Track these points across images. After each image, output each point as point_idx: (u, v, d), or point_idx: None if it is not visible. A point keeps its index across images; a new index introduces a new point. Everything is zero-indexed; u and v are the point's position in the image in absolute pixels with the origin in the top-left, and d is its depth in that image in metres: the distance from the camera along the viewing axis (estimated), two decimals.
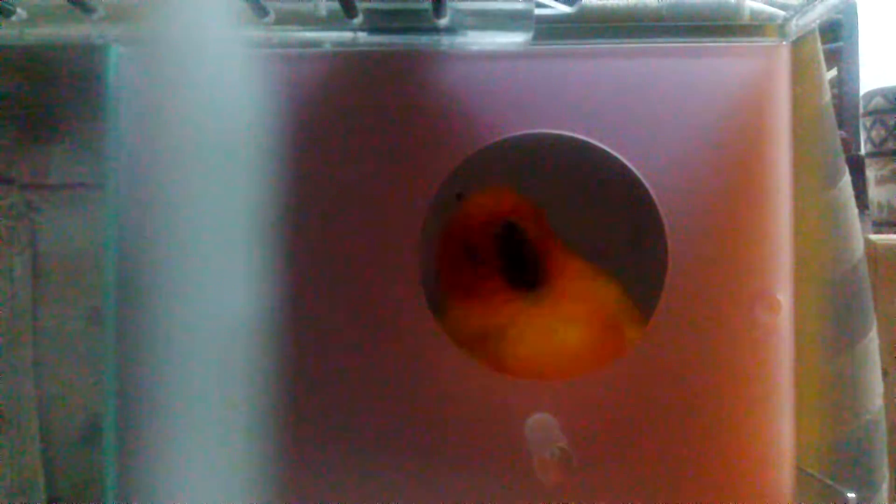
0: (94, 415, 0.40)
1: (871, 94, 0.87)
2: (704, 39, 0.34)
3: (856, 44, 1.13)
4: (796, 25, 0.34)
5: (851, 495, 0.31)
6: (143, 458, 0.32)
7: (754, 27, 0.34)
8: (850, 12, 1.12)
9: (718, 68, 0.33)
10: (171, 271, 0.32)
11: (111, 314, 0.32)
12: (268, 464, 0.32)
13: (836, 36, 1.13)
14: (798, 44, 0.35)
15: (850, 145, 0.93)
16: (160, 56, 0.30)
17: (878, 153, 0.84)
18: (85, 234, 0.41)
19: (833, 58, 1.13)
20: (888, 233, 0.77)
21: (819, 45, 0.37)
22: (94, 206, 0.41)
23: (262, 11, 0.32)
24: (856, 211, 0.38)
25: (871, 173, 0.86)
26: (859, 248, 0.37)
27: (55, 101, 0.41)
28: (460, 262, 0.36)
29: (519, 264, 0.36)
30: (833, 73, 1.16)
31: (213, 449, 0.32)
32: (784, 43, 0.34)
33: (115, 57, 0.33)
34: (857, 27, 1.14)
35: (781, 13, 0.35)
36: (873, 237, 0.70)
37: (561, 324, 0.35)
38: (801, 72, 0.36)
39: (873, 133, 0.85)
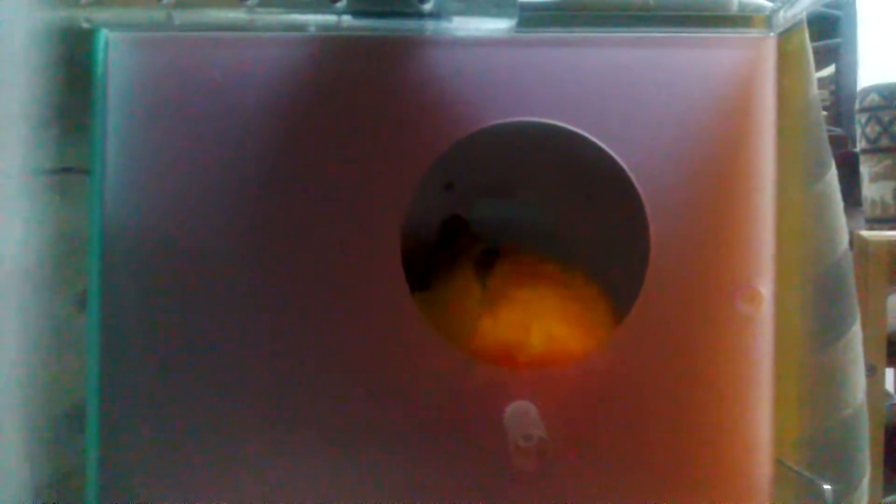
0: (81, 402, 0.41)
1: (866, 91, 0.87)
2: (691, 30, 0.34)
3: (854, 40, 1.13)
4: (783, 17, 0.34)
5: (827, 487, 0.31)
6: (126, 446, 0.32)
7: (741, 18, 0.34)
8: (849, 9, 1.12)
9: (705, 59, 0.33)
10: (157, 258, 0.32)
11: (96, 300, 0.32)
12: (247, 448, 0.32)
13: (835, 32, 1.13)
14: (786, 36, 0.35)
15: (846, 142, 0.93)
16: None
17: (873, 150, 0.84)
18: (73, 219, 0.41)
19: (831, 54, 1.13)
20: (881, 229, 0.77)
21: (807, 38, 0.37)
22: (83, 191, 0.41)
23: None
24: (841, 205, 0.38)
25: (865, 170, 0.85)
26: (844, 243, 0.37)
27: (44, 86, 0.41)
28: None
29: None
30: (831, 69, 1.16)
31: (196, 434, 0.32)
32: (771, 34, 0.34)
33: (102, 42, 0.33)
34: (855, 24, 1.14)
35: (769, 4, 0.34)
36: (865, 233, 0.70)
37: (541, 312, 0.35)
38: (788, 64, 0.36)
39: (868, 130, 0.85)
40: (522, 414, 0.31)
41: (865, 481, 0.38)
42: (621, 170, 0.33)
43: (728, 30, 0.34)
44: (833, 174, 0.38)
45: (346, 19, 0.32)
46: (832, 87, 1.18)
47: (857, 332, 0.38)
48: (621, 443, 0.33)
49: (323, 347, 0.33)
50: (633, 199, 0.33)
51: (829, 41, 1.13)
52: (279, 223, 0.33)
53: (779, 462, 0.34)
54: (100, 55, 0.33)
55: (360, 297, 0.32)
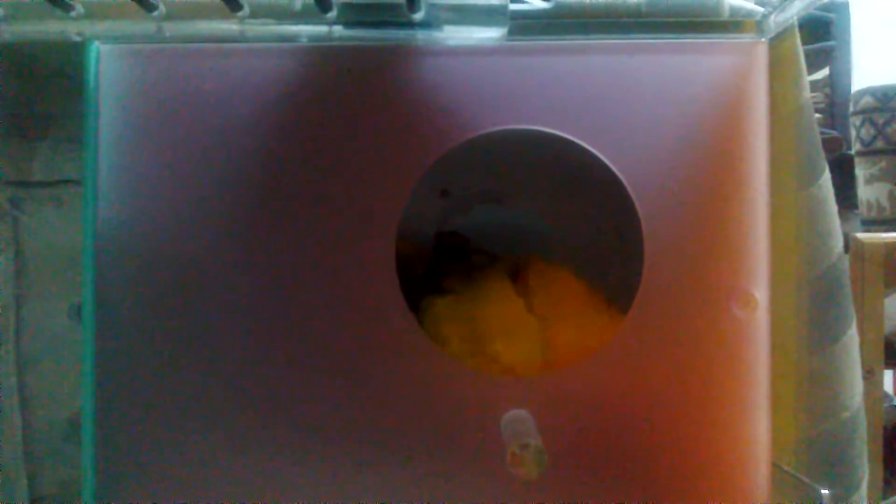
0: (78, 411, 0.40)
1: (860, 93, 0.87)
2: (683, 36, 0.34)
3: (848, 43, 1.13)
4: (774, 22, 0.34)
5: (825, 492, 0.31)
6: (123, 455, 0.32)
7: (733, 23, 0.34)
8: (843, 12, 1.13)
9: (696, 65, 0.33)
10: (151, 268, 0.32)
11: (90, 311, 0.32)
12: (242, 457, 0.32)
13: (829, 35, 1.13)
14: (777, 41, 0.35)
15: (841, 144, 0.93)
16: None
17: (868, 152, 0.84)
18: (69, 230, 0.41)
19: (826, 57, 1.13)
20: (877, 231, 0.77)
21: (799, 42, 0.37)
22: (78, 203, 0.41)
23: (236, 5, 0.31)
24: (836, 208, 0.38)
25: (860, 172, 0.86)
26: (838, 246, 0.37)
27: (39, 98, 0.41)
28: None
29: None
30: (825, 72, 1.16)
31: (192, 442, 0.32)
32: (762, 40, 0.34)
33: (94, 54, 0.33)
34: (849, 27, 1.14)
35: (760, 9, 0.34)
36: (861, 235, 0.70)
37: (537, 320, 0.35)
38: (780, 69, 0.36)
39: (862, 132, 0.85)
40: (519, 422, 0.31)
41: (864, 485, 0.38)
42: (614, 176, 0.33)
43: (719, 35, 0.34)
44: (827, 177, 0.38)
45: (338, 29, 0.32)
46: (827, 90, 1.18)
47: (853, 334, 0.38)
48: (618, 449, 0.33)
49: (318, 355, 0.33)
50: (627, 205, 0.33)
51: (823, 44, 1.14)
52: (272, 232, 0.32)
53: (776, 466, 0.34)
54: (91, 67, 0.33)
55: (356, 304, 0.32)
